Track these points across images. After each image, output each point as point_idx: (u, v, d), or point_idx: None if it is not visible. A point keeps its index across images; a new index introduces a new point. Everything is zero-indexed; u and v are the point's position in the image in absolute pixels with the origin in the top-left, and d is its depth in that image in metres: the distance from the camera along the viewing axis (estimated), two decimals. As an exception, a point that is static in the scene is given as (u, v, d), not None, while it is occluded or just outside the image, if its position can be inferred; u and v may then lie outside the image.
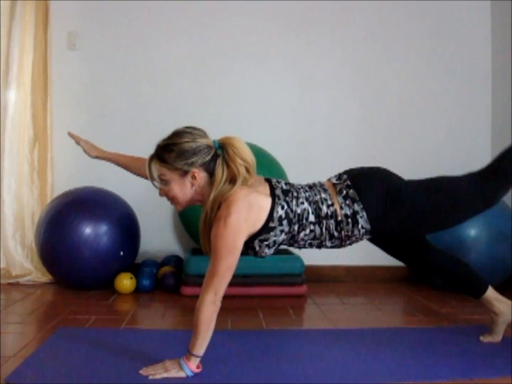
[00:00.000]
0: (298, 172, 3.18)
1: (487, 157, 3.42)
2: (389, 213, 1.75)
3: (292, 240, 1.74)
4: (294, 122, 3.35)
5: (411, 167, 3.37)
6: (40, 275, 3.07)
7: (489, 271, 2.71)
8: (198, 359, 1.63)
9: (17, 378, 1.59)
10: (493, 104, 3.41)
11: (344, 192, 1.75)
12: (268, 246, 1.71)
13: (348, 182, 1.77)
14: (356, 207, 1.72)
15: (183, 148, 1.65)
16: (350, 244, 1.82)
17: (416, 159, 3.39)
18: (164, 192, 1.73)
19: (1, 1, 3.06)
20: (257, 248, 1.72)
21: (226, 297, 2.66)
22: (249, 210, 1.63)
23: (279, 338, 2.05)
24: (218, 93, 3.31)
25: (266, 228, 1.67)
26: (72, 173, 3.23)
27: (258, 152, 2.96)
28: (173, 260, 3.10)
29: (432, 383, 1.62)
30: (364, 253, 3.04)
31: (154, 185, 1.75)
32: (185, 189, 1.69)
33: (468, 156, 3.41)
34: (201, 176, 1.67)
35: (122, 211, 2.93)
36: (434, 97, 3.42)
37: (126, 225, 2.90)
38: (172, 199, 1.74)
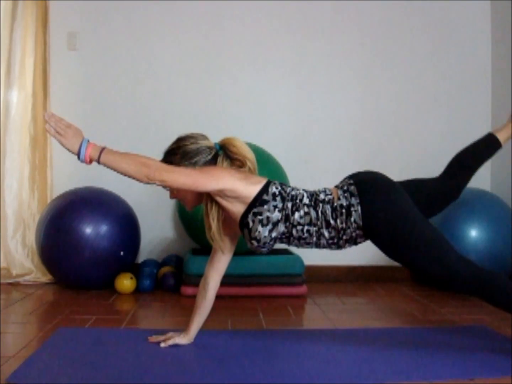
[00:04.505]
0: (298, 172, 3.18)
1: (487, 157, 3.42)
2: (380, 214, 1.76)
3: (288, 222, 1.76)
4: (294, 122, 3.35)
5: (410, 167, 3.39)
6: (40, 275, 3.07)
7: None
8: (96, 156, 1.68)
9: (17, 378, 1.59)
10: (493, 104, 3.41)
11: (345, 187, 1.82)
12: (261, 222, 1.74)
13: (351, 181, 1.83)
14: (353, 200, 1.76)
15: (186, 150, 1.79)
16: (346, 242, 1.82)
17: (415, 159, 3.39)
18: (174, 194, 1.85)
19: (2, 2, 3.06)
20: (251, 223, 1.75)
21: (226, 297, 2.68)
22: (246, 177, 1.75)
23: (279, 338, 2.05)
24: (218, 93, 3.31)
25: (259, 200, 1.73)
26: (72, 173, 3.22)
27: (258, 152, 2.96)
28: (173, 260, 3.10)
29: (432, 383, 1.62)
30: (364, 253, 3.03)
31: (165, 188, 1.85)
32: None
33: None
34: None
35: (122, 211, 2.93)
36: (434, 97, 3.41)
37: (126, 225, 2.90)
38: (182, 200, 1.86)
